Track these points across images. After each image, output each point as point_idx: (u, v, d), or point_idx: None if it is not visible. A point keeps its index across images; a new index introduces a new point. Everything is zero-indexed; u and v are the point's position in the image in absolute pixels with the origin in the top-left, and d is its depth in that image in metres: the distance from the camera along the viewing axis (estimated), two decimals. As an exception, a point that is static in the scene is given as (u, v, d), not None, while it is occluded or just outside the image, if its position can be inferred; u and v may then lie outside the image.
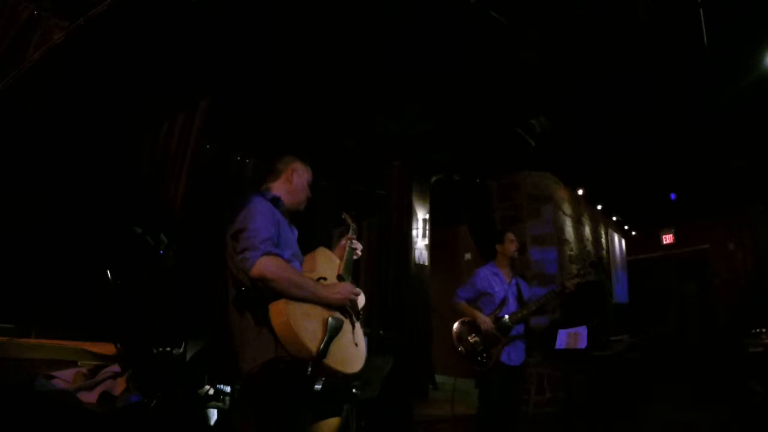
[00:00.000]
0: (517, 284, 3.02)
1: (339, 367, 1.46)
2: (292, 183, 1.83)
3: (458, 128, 4.45)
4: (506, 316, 2.83)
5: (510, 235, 3.13)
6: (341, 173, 4.96)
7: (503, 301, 2.88)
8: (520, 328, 2.89)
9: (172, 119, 3.14)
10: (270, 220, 1.57)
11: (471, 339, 2.79)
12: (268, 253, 1.45)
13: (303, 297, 1.47)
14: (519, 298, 2.95)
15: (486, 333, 2.76)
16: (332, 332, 1.45)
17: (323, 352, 1.39)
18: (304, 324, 1.42)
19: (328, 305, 1.55)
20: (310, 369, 1.37)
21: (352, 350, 1.59)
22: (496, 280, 2.99)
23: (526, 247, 5.23)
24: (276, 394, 1.44)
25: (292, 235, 1.76)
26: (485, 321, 2.79)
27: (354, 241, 1.92)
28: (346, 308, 1.63)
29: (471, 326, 2.84)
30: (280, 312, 1.40)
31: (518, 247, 3.12)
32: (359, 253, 1.93)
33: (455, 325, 2.90)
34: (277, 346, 1.40)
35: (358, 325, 1.70)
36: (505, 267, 3.07)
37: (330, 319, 1.48)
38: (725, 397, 4.12)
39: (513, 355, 2.82)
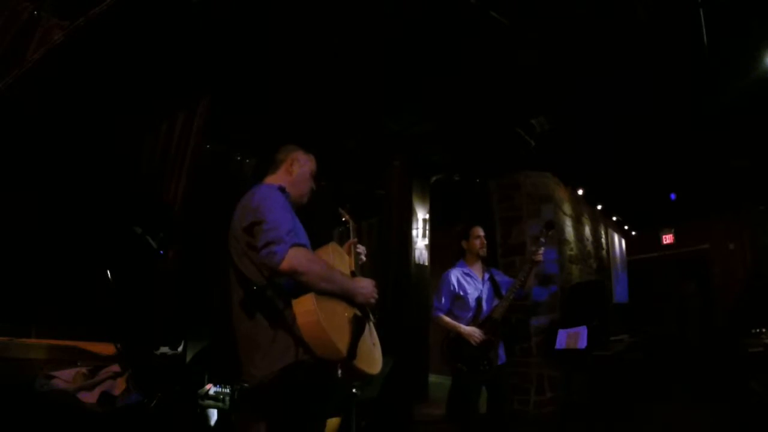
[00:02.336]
0: (490, 278, 2.82)
1: (365, 368, 1.38)
2: (293, 174, 1.72)
3: (458, 128, 4.45)
4: (490, 315, 2.67)
5: (476, 230, 2.86)
6: (341, 173, 4.95)
7: (479, 302, 2.72)
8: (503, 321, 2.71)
9: (172, 119, 3.13)
10: (287, 211, 1.47)
11: (466, 353, 2.62)
12: (296, 245, 1.33)
13: (332, 291, 1.37)
14: (496, 291, 2.77)
15: (478, 343, 2.60)
16: (357, 331, 1.37)
17: (352, 353, 1.32)
18: (335, 324, 1.32)
19: (351, 302, 1.46)
20: (340, 371, 1.31)
21: (372, 350, 1.52)
22: (468, 280, 2.79)
23: (526, 246, 5.23)
24: (295, 400, 1.33)
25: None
26: (472, 333, 2.61)
27: (358, 246, 1.84)
28: (365, 307, 1.54)
29: (459, 340, 2.65)
30: (309, 311, 1.29)
31: (484, 243, 2.85)
32: (363, 258, 1.84)
33: (445, 347, 2.72)
34: (297, 350, 1.31)
35: (372, 324, 1.62)
36: (476, 264, 2.85)
37: (354, 317, 1.40)
38: (725, 397, 4.11)
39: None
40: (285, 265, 1.30)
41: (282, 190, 1.58)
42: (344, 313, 1.41)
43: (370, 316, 1.59)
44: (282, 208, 1.44)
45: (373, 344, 1.56)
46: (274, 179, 1.71)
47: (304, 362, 1.32)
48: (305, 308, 1.30)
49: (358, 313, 1.46)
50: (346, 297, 1.44)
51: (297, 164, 1.75)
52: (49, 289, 2.39)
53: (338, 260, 1.64)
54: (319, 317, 1.28)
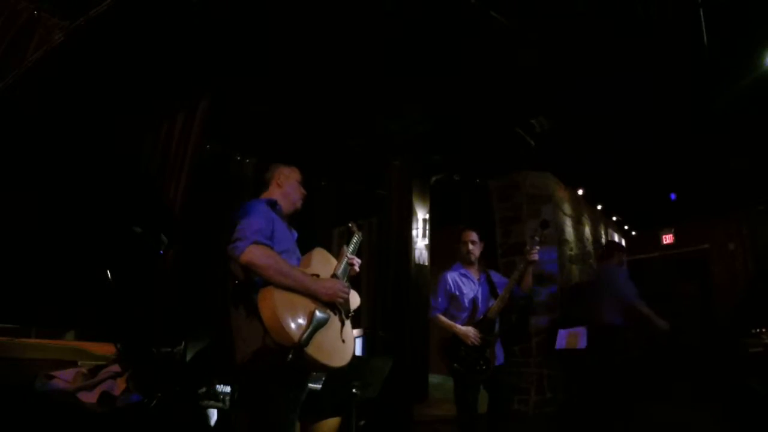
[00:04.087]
0: (486, 278, 2.83)
1: (321, 359, 1.50)
2: (283, 187, 1.93)
3: (458, 128, 4.45)
4: (485, 314, 2.67)
5: (465, 235, 2.86)
6: (341, 173, 4.96)
7: (474, 302, 2.73)
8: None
9: (172, 119, 3.14)
10: (263, 216, 1.65)
11: (461, 353, 2.62)
12: (257, 242, 1.52)
13: (290, 286, 1.53)
14: (492, 291, 2.78)
15: (473, 343, 2.60)
16: (317, 324, 1.49)
17: (305, 342, 1.44)
18: (290, 313, 1.48)
19: (317, 299, 1.60)
20: (290, 356, 1.42)
21: (337, 345, 1.63)
22: (464, 281, 2.81)
23: (526, 246, 5.23)
24: (263, 383, 1.51)
25: (290, 235, 1.83)
26: (467, 332, 2.62)
27: (354, 258, 1.95)
28: (336, 304, 1.68)
29: (455, 340, 2.67)
30: (267, 300, 1.47)
31: (470, 249, 2.84)
32: (357, 269, 1.96)
33: (441, 347, 2.73)
34: (264, 336, 1.45)
35: (348, 322, 1.74)
36: (471, 265, 2.86)
37: (316, 311, 1.53)
38: (725, 397, 4.11)
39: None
40: (243, 258, 1.49)
41: (272, 204, 1.80)
42: (306, 307, 1.54)
43: (343, 314, 1.72)
44: (257, 215, 1.64)
45: (343, 341, 1.67)
46: (268, 195, 1.92)
47: (268, 347, 1.46)
48: (263, 297, 1.49)
49: (325, 309, 1.59)
50: (310, 294, 1.58)
51: (284, 177, 1.95)
52: (50, 290, 2.39)
53: (320, 263, 1.81)
54: (275, 307, 1.45)
